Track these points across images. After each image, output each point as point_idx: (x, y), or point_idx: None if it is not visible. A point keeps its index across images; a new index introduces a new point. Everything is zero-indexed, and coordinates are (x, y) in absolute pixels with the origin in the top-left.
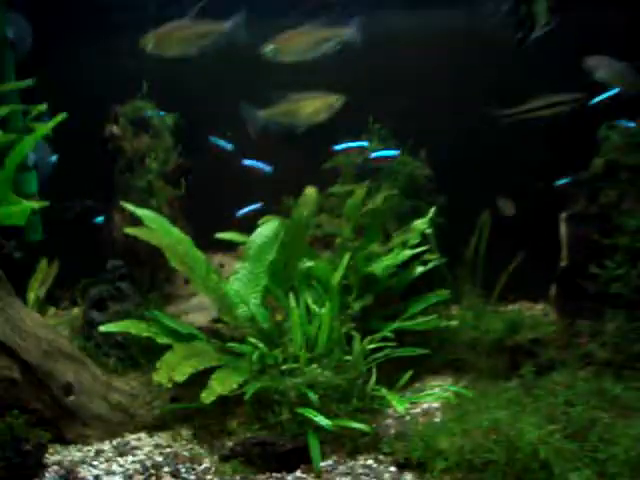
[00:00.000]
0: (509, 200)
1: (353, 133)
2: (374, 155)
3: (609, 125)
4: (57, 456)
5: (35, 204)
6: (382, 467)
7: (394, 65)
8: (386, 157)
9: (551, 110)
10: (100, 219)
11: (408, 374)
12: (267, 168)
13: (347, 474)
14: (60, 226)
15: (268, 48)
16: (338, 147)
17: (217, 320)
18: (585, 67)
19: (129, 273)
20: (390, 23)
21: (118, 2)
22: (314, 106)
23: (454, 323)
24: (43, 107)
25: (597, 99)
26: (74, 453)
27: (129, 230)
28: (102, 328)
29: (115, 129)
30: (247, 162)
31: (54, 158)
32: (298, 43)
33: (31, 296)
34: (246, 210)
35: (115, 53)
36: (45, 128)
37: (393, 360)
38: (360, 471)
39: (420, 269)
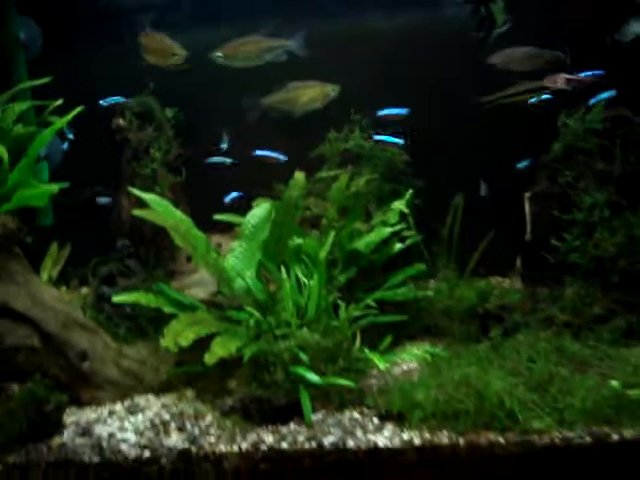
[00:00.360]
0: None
1: (336, 124)
2: (378, 138)
3: (567, 113)
4: (74, 417)
5: (54, 187)
6: (366, 419)
7: (370, 60)
8: (391, 143)
9: (532, 95)
10: (104, 200)
11: (388, 339)
12: (281, 157)
13: (335, 425)
14: (70, 211)
15: (215, 55)
16: (377, 137)
17: (217, 293)
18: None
19: (136, 252)
20: (367, 23)
21: (121, 7)
22: (311, 94)
23: (430, 293)
24: (59, 102)
25: (595, 99)
26: (89, 414)
27: (137, 212)
28: (115, 299)
29: (121, 122)
30: (260, 152)
31: (64, 147)
32: (243, 51)
33: (44, 276)
34: (232, 197)
35: (119, 53)
36: (62, 121)
37: (375, 327)
38: (347, 423)
39: (399, 245)
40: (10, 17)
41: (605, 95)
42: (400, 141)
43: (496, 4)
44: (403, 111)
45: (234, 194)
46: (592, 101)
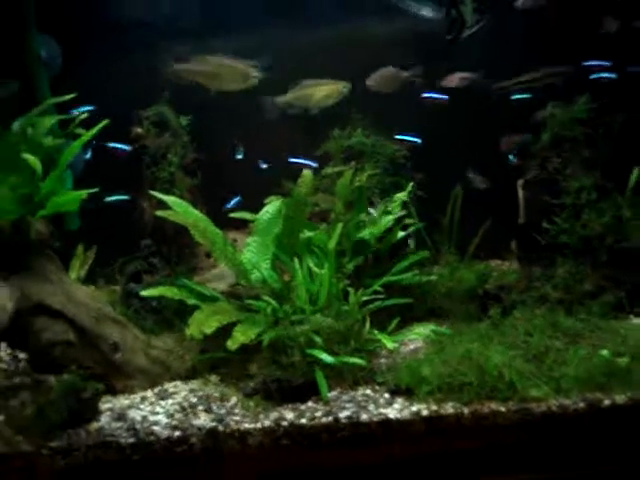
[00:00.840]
0: (479, 175)
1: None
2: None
3: (554, 104)
4: (109, 404)
5: (83, 192)
6: (377, 395)
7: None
8: (411, 141)
9: (542, 82)
10: (118, 197)
11: (396, 320)
12: (313, 164)
13: (349, 401)
14: (95, 215)
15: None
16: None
17: (235, 285)
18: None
19: (159, 250)
20: (358, 27)
21: (134, 22)
22: (325, 91)
23: (433, 277)
24: (84, 116)
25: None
26: (122, 401)
27: (159, 213)
28: (143, 293)
29: (140, 130)
30: (294, 160)
31: (86, 156)
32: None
33: (72, 276)
34: (233, 203)
35: (135, 67)
36: (89, 134)
37: (383, 310)
38: (360, 399)
39: (402, 233)
40: (32, 36)
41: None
42: (418, 140)
43: (466, 6)
44: (418, 140)
45: (236, 199)
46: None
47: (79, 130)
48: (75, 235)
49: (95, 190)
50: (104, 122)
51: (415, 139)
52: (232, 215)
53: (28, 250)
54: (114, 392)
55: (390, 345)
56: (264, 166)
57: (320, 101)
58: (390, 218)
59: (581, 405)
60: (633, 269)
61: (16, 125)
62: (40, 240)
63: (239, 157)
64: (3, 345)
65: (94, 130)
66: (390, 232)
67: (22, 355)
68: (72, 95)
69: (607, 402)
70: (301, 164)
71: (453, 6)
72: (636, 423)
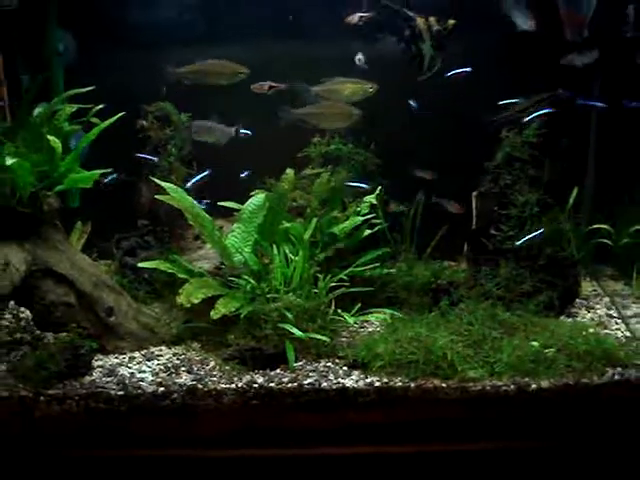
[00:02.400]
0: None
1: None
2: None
3: (508, 128)
4: (100, 362)
5: (97, 172)
6: (337, 367)
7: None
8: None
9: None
10: (113, 179)
11: (358, 305)
12: (365, 185)
13: (313, 371)
14: (95, 195)
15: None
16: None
17: (220, 265)
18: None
19: (153, 230)
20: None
21: (147, 23)
22: (352, 88)
23: (393, 271)
24: (100, 106)
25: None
26: (113, 359)
27: (159, 197)
28: (140, 265)
29: (144, 123)
30: (351, 184)
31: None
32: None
33: None
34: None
35: (143, 64)
36: (106, 123)
37: (347, 296)
38: (322, 369)
39: (368, 231)
40: (52, 31)
41: (541, 112)
42: (365, 186)
43: (424, 43)
44: (365, 186)
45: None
46: (528, 118)
47: (94, 119)
48: (75, 212)
49: (108, 171)
50: (120, 114)
51: (364, 185)
52: (220, 204)
53: (40, 220)
54: (105, 352)
55: (351, 321)
56: (245, 174)
57: (347, 97)
58: (359, 218)
59: (511, 387)
60: (565, 275)
61: (38, 110)
62: (50, 212)
63: (244, 132)
64: (10, 304)
65: (110, 120)
66: (358, 229)
67: (23, 315)
68: (91, 88)
69: (534, 386)
70: (359, 187)
71: (413, 43)
72: (557, 405)
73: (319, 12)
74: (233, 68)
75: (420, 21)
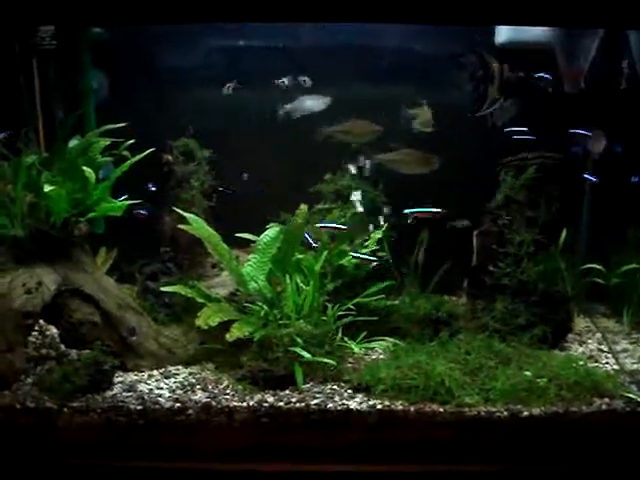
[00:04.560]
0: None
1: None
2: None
3: (506, 171)
4: (120, 378)
5: (127, 202)
6: (342, 390)
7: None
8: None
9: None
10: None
11: (363, 334)
12: (436, 210)
13: (319, 393)
14: (119, 223)
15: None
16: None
17: (235, 291)
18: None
19: (174, 257)
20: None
21: (173, 65)
22: (361, 128)
23: (396, 302)
24: (132, 141)
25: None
26: (132, 377)
27: (181, 226)
28: (162, 289)
29: (169, 157)
30: (410, 210)
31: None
32: None
33: None
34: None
35: (170, 103)
36: (137, 157)
37: (353, 325)
38: (328, 391)
39: (375, 264)
40: (87, 70)
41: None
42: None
43: (492, 85)
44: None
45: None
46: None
47: (125, 152)
48: (100, 238)
49: (137, 202)
50: (150, 150)
51: (435, 210)
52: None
53: (71, 244)
54: (126, 369)
55: (356, 349)
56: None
57: (357, 137)
58: (366, 251)
59: (505, 414)
60: (558, 310)
61: (74, 142)
62: (81, 236)
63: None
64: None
65: (141, 155)
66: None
67: (48, 332)
68: (123, 124)
69: (526, 413)
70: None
71: (482, 83)
72: (547, 431)
73: None
74: (372, 127)
75: (495, 66)
